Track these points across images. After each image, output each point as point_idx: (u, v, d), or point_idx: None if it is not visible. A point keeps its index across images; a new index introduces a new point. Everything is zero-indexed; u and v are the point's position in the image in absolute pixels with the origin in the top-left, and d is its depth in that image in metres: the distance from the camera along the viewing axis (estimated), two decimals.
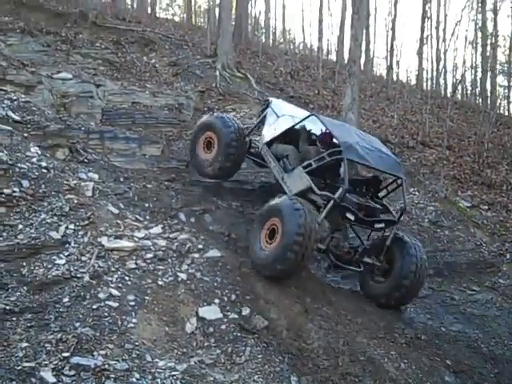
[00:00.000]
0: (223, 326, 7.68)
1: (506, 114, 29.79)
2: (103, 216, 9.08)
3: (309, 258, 8.86)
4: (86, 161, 11.46)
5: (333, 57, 32.27)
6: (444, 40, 31.48)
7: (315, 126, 10.66)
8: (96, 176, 10.62)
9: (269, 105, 11.57)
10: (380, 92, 24.26)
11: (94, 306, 7.30)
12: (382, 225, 9.67)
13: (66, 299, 7.36)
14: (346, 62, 22.44)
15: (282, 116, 11.10)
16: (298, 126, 10.58)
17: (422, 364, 8.39)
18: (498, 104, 29.70)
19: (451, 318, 10.30)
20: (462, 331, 9.91)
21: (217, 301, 7.99)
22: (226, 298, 8.09)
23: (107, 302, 7.42)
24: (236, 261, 8.93)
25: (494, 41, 29.78)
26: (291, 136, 10.71)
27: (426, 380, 8.12)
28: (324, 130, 10.24)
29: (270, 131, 10.87)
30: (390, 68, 28.17)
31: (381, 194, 10.22)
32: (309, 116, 10.60)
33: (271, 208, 9.13)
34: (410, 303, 10.14)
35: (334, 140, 9.88)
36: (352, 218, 9.20)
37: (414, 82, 30.64)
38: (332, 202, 9.08)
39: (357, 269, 9.74)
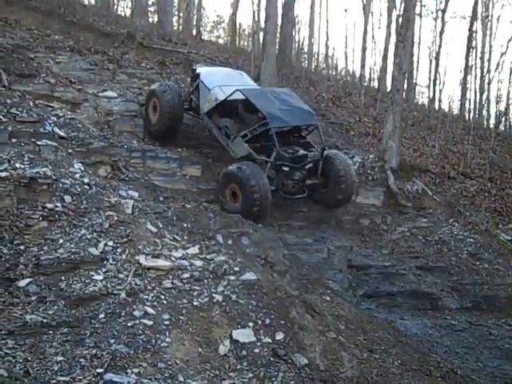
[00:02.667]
0: (256, 350, 7.62)
1: None
2: (142, 234, 9.15)
3: (269, 203, 11.49)
4: (126, 179, 11.63)
5: (375, 84, 32.23)
6: (488, 71, 31.20)
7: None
8: (136, 194, 10.75)
9: (198, 77, 13.74)
10: (422, 121, 24.07)
11: (129, 324, 7.35)
12: (310, 165, 12.39)
13: (101, 315, 7.43)
14: (388, 89, 22.32)
15: (213, 89, 13.16)
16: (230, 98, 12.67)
17: None
18: None
19: (488, 353, 10.08)
20: (499, 367, 9.68)
21: (251, 324, 7.94)
22: (260, 322, 8.02)
23: (142, 320, 7.45)
24: (271, 284, 8.88)
25: None
26: (227, 107, 13.02)
27: None
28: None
29: (206, 103, 13.23)
30: (432, 97, 28.00)
31: (304, 134, 13.16)
32: (234, 92, 12.56)
33: (228, 175, 11.69)
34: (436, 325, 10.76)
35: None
36: (287, 169, 12.05)
37: (456, 112, 30.33)
38: (270, 163, 11.87)
39: (303, 195, 12.41)
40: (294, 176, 12.25)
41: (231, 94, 12.69)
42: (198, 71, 14.16)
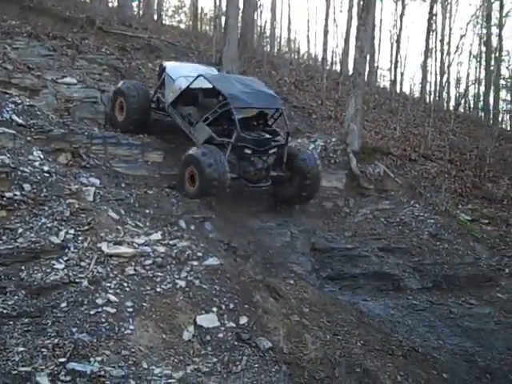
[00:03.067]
0: (221, 335, 7.64)
1: (509, 128, 29.84)
2: (103, 221, 9.08)
3: (226, 186, 11.34)
4: (88, 166, 11.52)
5: (337, 67, 32.37)
6: (448, 53, 31.58)
7: (207, 84, 12.61)
8: (97, 181, 10.66)
9: (164, 70, 13.69)
10: (383, 104, 24.30)
11: (92, 312, 7.29)
12: (274, 149, 12.23)
13: (63, 304, 7.35)
14: (350, 73, 22.45)
15: (178, 78, 13.16)
16: (193, 86, 12.68)
17: (418, 377, 8.37)
18: (500, 118, 29.76)
19: (449, 331, 10.28)
20: (460, 345, 9.90)
21: (215, 309, 7.95)
22: (223, 307, 8.04)
23: (105, 308, 7.40)
24: (235, 269, 8.92)
25: (498, 55, 29.84)
26: (190, 94, 12.93)
27: None
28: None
29: (170, 93, 13.15)
30: (393, 80, 28.24)
31: (269, 123, 12.93)
32: (197, 77, 12.58)
33: (188, 157, 11.59)
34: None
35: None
36: (249, 152, 11.86)
37: (417, 94, 30.65)
38: (231, 144, 11.65)
39: (266, 184, 12.27)
40: (257, 163, 12.13)
41: (194, 80, 12.59)
42: (164, 65, 14.09)
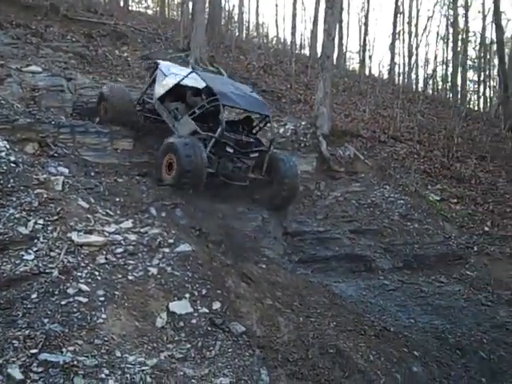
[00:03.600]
0: (194, 321, 7.65)
1: (476, 108, 30.16)
2: (73, 211, 8.98)
3: (202, 179, 11.22)
4: (55, 155, 11.37)
5: (306, 51, 32.39)
6: (416, 35, 31.84)
7: (198, 82, 12.71)
8: (66, 170, 10.53)
9: (158, 67, 13.69)
10: (352, 86, 24.39)
11: (63, 302, 7.22)
12: (256, 154, 12.14)
13: (34, 295, 7.27)
14: (319, 56, 22.47)
15: (170, 75, 13.25)
16: (183, 83, 12.76)
17: (390, 355, 8.52)
18: (467, 99, 30.07)
19: (420, 309, 10.46)
20: (430, 322, 10.08)
21: (187, 295, 7.95)
22: (196, 293, 8.04)
23: (76, 298, 7.33)
24: (207, 255, 8.92)
25: (464, 36, 30.11)
26: (179, 92, 12.93)
27: (395, 371, 8.26)
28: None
29: (160, 88, 13.15)
30: (362, 63, 28.33)
31: (254, 131, 12.76)
32: (190, 73, 12.85)
33: (167, 145, 11.49)
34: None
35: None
36: (231, 150, 11.79)
37: (386, 76, 30.82)
38: (214, 139, 11.53)
39: (243, 183, 12.08)
40: (237, 163, 12.11)
41: (187, 76, 12.68)
42: (158, 62, 14.10)
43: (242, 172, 12.15)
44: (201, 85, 12.68)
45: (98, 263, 8.07)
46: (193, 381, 6.66)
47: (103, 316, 7.21)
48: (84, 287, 7.53)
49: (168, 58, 17.78)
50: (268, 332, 7.96)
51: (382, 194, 14.05)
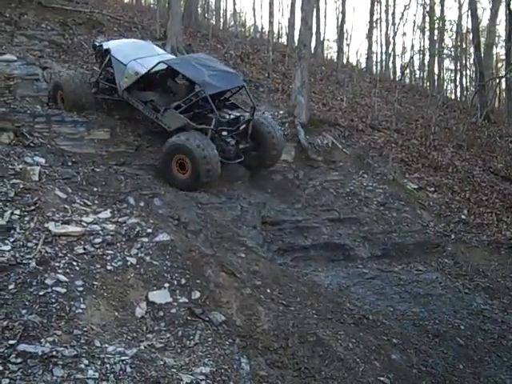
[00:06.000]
0: (173, 310, 7.64)
1: (453, 97, 30.39)
2: (50, 201, 8.91)
3: (219, 173, 11.60)
4: (32, 145, 11.24)
5: (283, 40, 32.33)
6: (393, 24, 31.89)
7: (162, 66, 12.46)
8: (43, 160, 10.43)
9: (109, 52, 13.14)
10: (330, 75, 24.41)
11: (41, 293, 7.17)
12: (244, 125, 12.48)
13: (11, 286, 7.19)
14: (296, 45, 22.44)
15: (129, 63, 12.76)
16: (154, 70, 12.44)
17: (369, 343, 8.57)
18: (444, 87, 30.29)
19: (398, 297, 10.55)
20: (409, 310, 10.17)
21: (166, 285, 7.94)
22: (175, 282, 8.03)
23: (54, 288, 7.28)
24: (186, 244, 8.89)
25: (441, 25, 30.28)
26: (147, 79, 12.77)
27: (374, 359, 8.30)
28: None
29: (123, 79, 12.78)
30: (339, 51, 28.36)
31: (230, 98, 13.21)
32: (157, 64, 12.33)
33: (175, 146, 11.49)
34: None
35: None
36: (226, 133, 12.12)
37: (363, 65, 30.91)
38: (211, 131, 11.74)
39: (241, 159, 12.45)
40: (230, 141, 12.26)
41: (155, 66, 12.40)
42: (105, 47, 13.45)
43: (236, 148, 12.42)
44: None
45: (76, 253, 8.03)
46: (173, 370, 6.65)
47: (82, 306, 7.19)
48: (62, 277, 7.49)
49: None
50: (248, 321, 7.97)
51: (360, 182, 14.10)
